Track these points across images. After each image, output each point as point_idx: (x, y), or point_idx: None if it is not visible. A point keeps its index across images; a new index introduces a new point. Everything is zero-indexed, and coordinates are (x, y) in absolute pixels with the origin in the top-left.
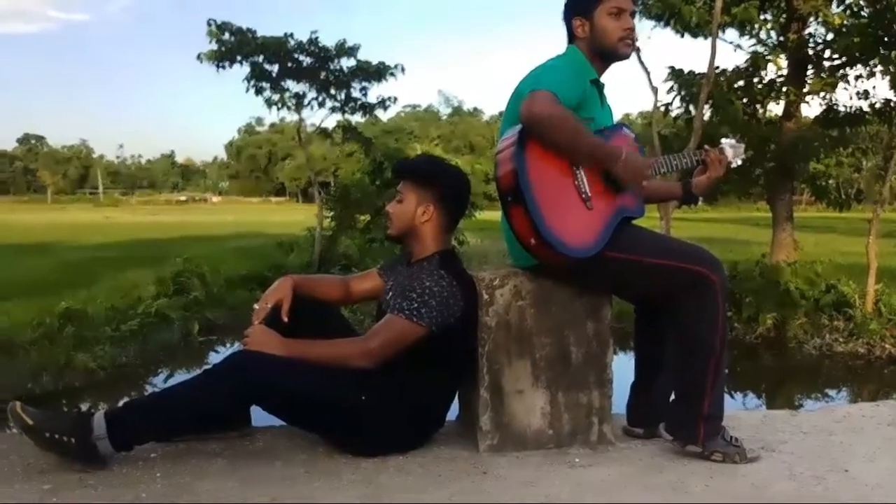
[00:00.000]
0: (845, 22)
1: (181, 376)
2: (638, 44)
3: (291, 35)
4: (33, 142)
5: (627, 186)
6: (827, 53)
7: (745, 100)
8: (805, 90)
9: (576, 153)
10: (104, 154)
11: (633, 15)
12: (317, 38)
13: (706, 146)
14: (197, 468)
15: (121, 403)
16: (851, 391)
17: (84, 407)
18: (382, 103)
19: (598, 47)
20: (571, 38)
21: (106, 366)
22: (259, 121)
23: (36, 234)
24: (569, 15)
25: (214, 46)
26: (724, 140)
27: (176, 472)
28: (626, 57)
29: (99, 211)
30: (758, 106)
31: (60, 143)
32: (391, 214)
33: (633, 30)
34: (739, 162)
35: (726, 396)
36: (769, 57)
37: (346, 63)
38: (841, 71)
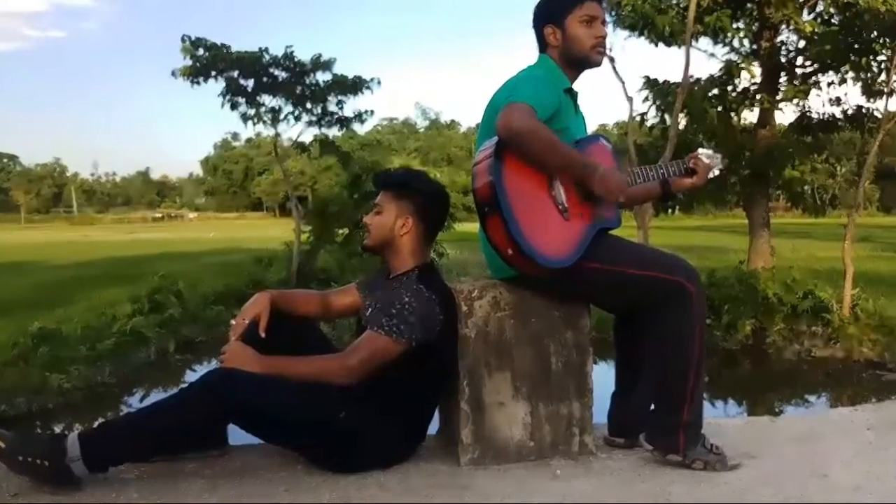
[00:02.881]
0: (816, 30)
1: (157, 395)
2: (612, 54)
3: (266, 50)
4: (6, 160)
5: (603, 201)
6: (799, 61)
7: (719, 108)
8: (778, 97)
9: (552, 166)
10: (78, 172)
11: (604, 22)
12: (292, 52)
13: (693, 153)
14: (174, 489)
15: (95, 424)
16: (831, 396)
17: (58, 428)
18: (359, 117)
19: (570, 55)
20: (543, 46)
21: (81, 386)
22: (235, 136)
23: (11, 253)
24: (539, 23)
25: (189, 62)
26: (700, 150)
27: (153, 493)
28: (598, 64)
29: (74, 230)
30: (732, 114)
31: (34, 161)
32: (370, 226)
33: (605, 37)
34: (717, 172)
35: (706, 404)
36: (742, 65)
37: (322, 77)
38: (813, 78)
